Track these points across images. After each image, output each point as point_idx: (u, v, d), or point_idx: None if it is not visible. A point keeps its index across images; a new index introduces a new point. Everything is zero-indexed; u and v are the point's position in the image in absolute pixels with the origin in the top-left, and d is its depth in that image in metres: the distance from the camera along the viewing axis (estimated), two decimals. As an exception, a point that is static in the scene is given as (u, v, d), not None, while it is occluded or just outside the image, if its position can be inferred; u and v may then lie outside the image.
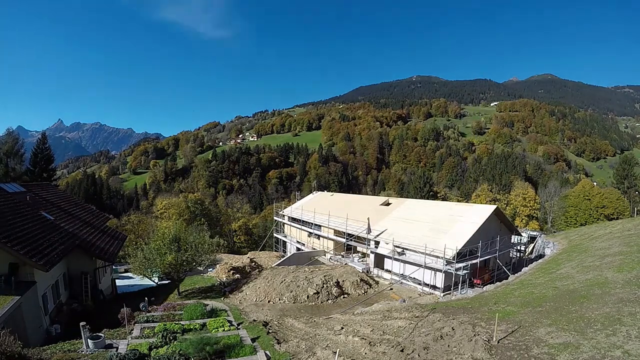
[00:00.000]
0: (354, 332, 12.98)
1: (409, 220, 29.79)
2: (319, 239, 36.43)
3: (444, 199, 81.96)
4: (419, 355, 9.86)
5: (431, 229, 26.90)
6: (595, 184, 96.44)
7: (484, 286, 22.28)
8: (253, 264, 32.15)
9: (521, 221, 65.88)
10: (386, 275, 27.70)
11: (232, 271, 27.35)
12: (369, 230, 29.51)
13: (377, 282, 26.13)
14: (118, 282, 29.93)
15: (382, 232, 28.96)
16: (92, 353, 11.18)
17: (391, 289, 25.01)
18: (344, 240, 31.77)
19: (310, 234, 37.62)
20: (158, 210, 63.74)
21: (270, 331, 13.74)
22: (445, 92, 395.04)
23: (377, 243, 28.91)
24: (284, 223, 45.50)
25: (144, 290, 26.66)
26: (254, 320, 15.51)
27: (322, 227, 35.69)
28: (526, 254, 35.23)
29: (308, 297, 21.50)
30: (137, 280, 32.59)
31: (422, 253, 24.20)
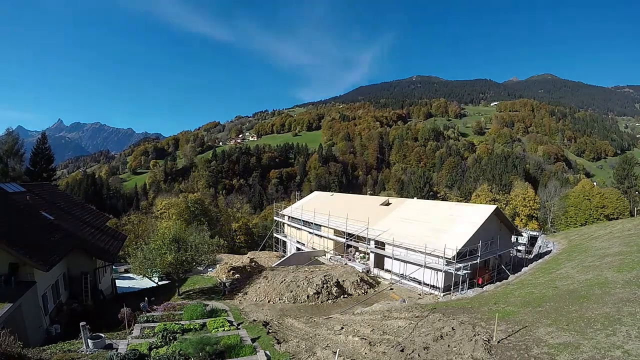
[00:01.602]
0: (354, 332, 12.98)
1: (409, 220, 29.80)
2: (319, 239, 36.43)
3: (444, 199, 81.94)
4: (419, 355, 9.86)
5: (431, 229, 26.90)
6: (595, 184, 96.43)
7: (483, 286, 22.28)
8: (253, 264, 32.12)
9: (521, 221, 65.85)
10: (386, 275, 27.72)
11: (232, 271, 27.34)
12: None
13: (377, 282, 26.14)
14: (118, 282, 29.95)
15: (383, 232, 28.96)
16: (92, 353, 11.18)
17: (391, 289, 25.01)
18: (344, 240, 31.78)
19: (310, 233, 37.62)
20: (158, 210, 63.73)
21: (270, 331, 13.74)
22: (445, 92, 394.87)
23: (377, 243, 28.92)
24: (284, 223, 45.50)
25: (144, 290, 26.67)
26: (254, 320, 15.51)
27: (322, 227, 35.69)
28: (532, 254, 35.21)
29: (308, 297, 21.50)
30: (137, 280, 32.63)
31: (423, 253, 24.21)
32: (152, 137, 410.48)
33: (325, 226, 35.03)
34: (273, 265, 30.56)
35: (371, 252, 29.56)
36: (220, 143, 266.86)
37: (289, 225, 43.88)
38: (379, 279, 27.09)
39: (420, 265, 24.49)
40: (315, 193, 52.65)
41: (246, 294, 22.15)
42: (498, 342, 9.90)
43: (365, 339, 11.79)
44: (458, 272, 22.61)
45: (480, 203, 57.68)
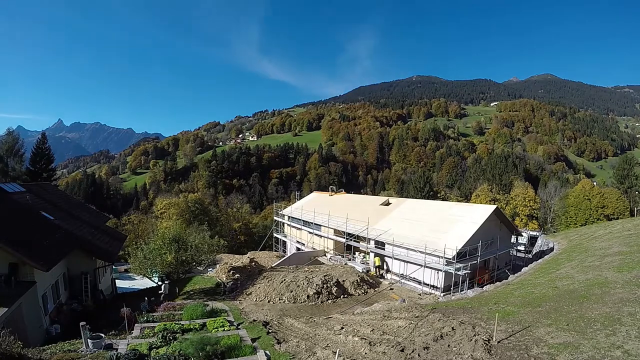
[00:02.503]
0: (353, 332, 12.97)
1: (409, 220, 29.79)
2: (319, 239, 36.42)
3: (444, 199, 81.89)
4: (419, 355, 9.86)
5: (431, 229, 26.89)
6: (595, 184, 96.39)
7: (483, 286, 22.28)
8: (253, 264, 32.15)
9: (521, 221, 65.82)
10: (386, 275, 27.72)
11: (232, 271, 27.33)
12: None
13: (377, 282, 26.13)
14: (118, 282, 29.96)
15: (383, 232, 28.94)
16: (92, 353, 11.17)
17: (391, 289, 25.01)
18: (344, 240, 31.76)
19: (310, 233, 37.62)
20: (158, 210, 63.73)
21: (270, 331, 13.73)
22: (445, 92, 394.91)
23: (377, 242, 28.92)
24: (283, 223, 45.50)
25: (144, 290, 26.69)
26: (254, 320, 15.50)
27: (322, 227, 35.68)
28: (532, 254, 35.23)
29: (308, 297, 21.49)
30: (137, 280, 32.65)
31: (423, 252, 24.21)
32: (152, 137, 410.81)
33: (325, 226, 35.02)
34: (273, 265, 30.56)
35: (371, 252, 29.55)
36: (220, 143, 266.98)
37: (289, 225, 43.87)
38: (379, 279, 27.08)
39: (420, 265, 24.49)
40: (315, 193, 52.65)
41: (246, 294, 22.14)
42: (498, 342, 9.90)
43: (365, 339, 11.79)
44: (458, 272, 22.60)
45: (480, 203, 57.62)
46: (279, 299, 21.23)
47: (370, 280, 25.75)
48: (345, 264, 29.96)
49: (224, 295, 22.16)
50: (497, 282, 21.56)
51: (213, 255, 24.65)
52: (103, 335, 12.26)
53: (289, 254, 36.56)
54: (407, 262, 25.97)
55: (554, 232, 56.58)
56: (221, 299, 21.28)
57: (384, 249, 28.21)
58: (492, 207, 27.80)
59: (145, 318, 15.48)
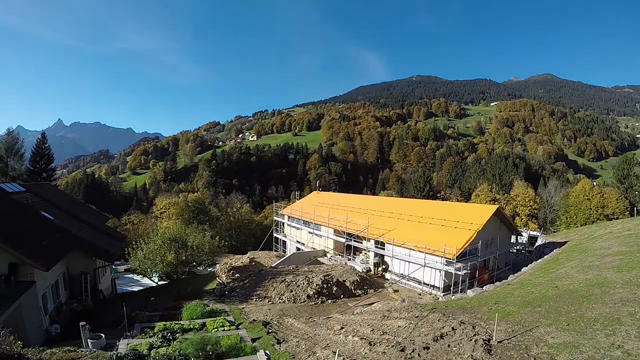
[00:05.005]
0: (353, 332, 12.97)
1: (409, 220, 29.76)
2: (319, 239, 36.41)
3: (444, 199, 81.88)
4: (419, 355, 9.86)
5: (431, 229, 26.87)
6: (595, 183, 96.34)
7: (483, 286, 22.26)
8: (253, 263, 32.14)
9: (521, 221, 65.78)
10: (386, 275, 27.72)
11: (232, 271, 27.35)
12: None
13: (377, 282, 26.12)
14: (118, 283, 29.93)
15: (383, 232, 28.93)
16: (92, 353, 11.18)
17: (395, 290, 25.00)
18: (344, 239, 31.76)
19: (310, 233, 37.61)
20: (158, 210, 63.70)
21: (270, 331, 13.74)
22: (445, 92, 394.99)
23: (377, 242, 28.92)
24: (283, 223, 45.49)
25: (144, 290, 26.70)
26: (254, 320, 15.51)
27: (321, 227, 35.68)
28: (531, 254, 35.23)
29: (308, 296, 21.48)
30: (137, 280, 32.66)
31: (423, 252, 24.20)
32: (152, 137, 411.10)
33: (325, 226, 35.02)
34: (273, 265, 30.55)
35: (371, 251, 29.55)
36: (220, 143, 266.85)
37: (288, 225, 43.86)
38: (380, 279, 27.06)
39: (420, 265, 24.48)
40: (315, 193, 52.64)
41: (247, 294, 22.14)
42: (498, 342, 9.90)
43: (365, 339, 11.79)
44: (458, 272, 22.59)
45: (480, 203, 57.72)
46: (279, 299, 21.22)
47: (370, 280, 25.75)
48: (345, 263, 29.95)
49: (223, 296, 22.15)
50: (497, 282, 21.57)
51: (213, 255, 24.62)
52: (103, 335, 12.27)
53: (289, 254, 36.54)
54: (407, 261, 25.97)
55: (554, 231, 56.62)
56: (221, 299, 21.29)
57: (384, 249, 28.22)
58: (493, 208, 27.82)
59: (146, 318, 15.50)
